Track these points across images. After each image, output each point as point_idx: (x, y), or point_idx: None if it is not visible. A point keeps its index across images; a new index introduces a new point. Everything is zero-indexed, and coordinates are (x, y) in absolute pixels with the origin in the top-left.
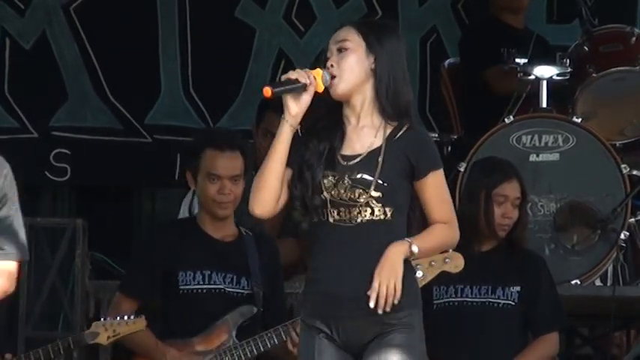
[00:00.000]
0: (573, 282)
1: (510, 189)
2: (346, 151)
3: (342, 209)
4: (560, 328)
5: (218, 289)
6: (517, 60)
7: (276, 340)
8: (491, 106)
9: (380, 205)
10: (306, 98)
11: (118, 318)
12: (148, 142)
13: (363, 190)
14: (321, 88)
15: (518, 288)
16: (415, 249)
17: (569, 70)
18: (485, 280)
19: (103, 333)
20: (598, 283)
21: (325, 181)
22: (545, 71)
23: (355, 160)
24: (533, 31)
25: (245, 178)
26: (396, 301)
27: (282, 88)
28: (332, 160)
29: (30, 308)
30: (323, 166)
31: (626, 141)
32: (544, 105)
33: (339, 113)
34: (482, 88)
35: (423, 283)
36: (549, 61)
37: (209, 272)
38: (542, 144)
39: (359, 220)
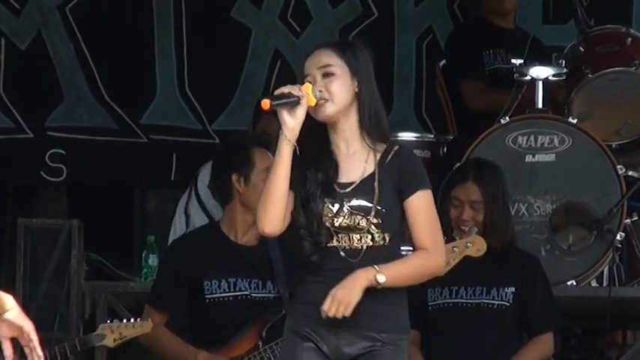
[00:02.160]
0: (569, 283)
1: (463, 192)
2: (342, 178)
3: (341, 236)
4: (554, 328)
5: (244, 295)
6: (513, 60)
7: None
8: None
9: (379, 230)
10: (301, 112)
11: (125, 320)
12: (144, 142)
13: (363, 216)
14: (313, 102)
15: (512, 288)
16: (381, 279)
17: (564, 70)
18: (480, 281)
19: (110, 335)
20: (594, 284)
21: (325, 209)
22: (540, 72)
23: (351, 187)
24: (528, 32)
25: None
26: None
27: (280, 102)
28: (330, 189)
29: (26, 309)
30: (322, 194)
31: (621, 142)
32: (540, 106)
33: (325, 139)
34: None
35: (447, 269)
36: (545, 62)
37: (234, 279)
38: (538, 145)
39: (359, 246)
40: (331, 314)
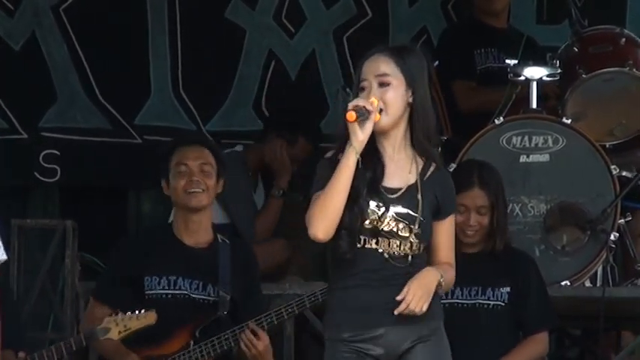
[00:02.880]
0: (563, 283)
1: (469, 198)
2: (387, 182)
3: (381, 239)
4: (550, 328)
5: (183, 294)
6: (507, 61)
7: (232, 343)
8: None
9: (418, 241)
10: (370, 126)
11: (129, 313)
12: (138, 143)
13: (407, 225)
14: (377, 118)
15: (508, 288)
16: (442, 283)
17: (559, 71)
18: (475, 282)
19: (114, 328)
20: (588, 284)
21: (370, 211)
22: (535, 72)
23: (397, 194)
24: (522, 32)
25: (220, 182)
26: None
27: (362, 117)
28: (377, 190)
29: (20, 309)
30: (369, 195)
31: (615, 142)
32: (534, 106)
33: (372, 137)
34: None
35: None
36: (539, 62)
37: (175, 277)
38: (533, 145)
39: (397, 253)
40: (410, 309)
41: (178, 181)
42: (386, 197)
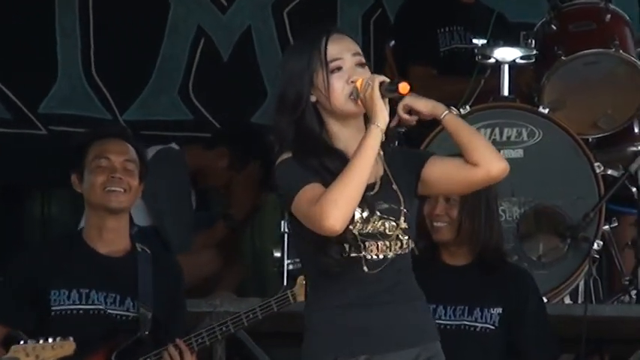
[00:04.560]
0: None
1: None
2: None
3: (368, 243)
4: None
5: (97, 309)
6: (474, 40)
7: None
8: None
9: (407, 237)
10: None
11: (42, 341)
12: (42, 134)
13: (394, 221)
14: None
15: (499, 309)
16: (454, 111)
17: (534, 52)
18: (461, 300)
19: (24, 358)
20: (567, 300)
21: (355, 213)
22: (506, 54)
23: (374, 190)
24: (492, 7)
25: (142, 185)
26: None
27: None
28: None
29: None
30: None
31: (599, 135)
32: (506, 93)
33: (332, 136)
34: None
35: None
36: (511, 41)
37: (87, 291)
38: (504, 138)
39: (389, 254)
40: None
41: (96, 177)
42: (367, 196)
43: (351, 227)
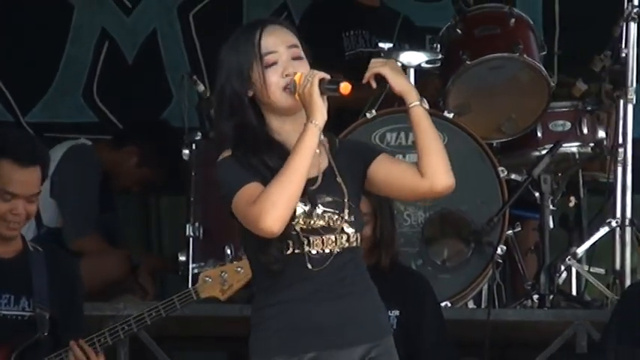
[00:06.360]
0: (443, 304)
1: None
2: None
3: (312, 238)
4: None
5: None
6: (380, 44)
7: None
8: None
9: (353, 230)
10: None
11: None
12: None
13: (338, 214)
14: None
15: (397, 312)
16: (425, 104)
17: (439, 56)
18: None
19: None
20: (471, 305)
21: (296, 209)
22: (412, 58)
23: (317, 184)
24: (397, 11)
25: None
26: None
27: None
28: None
29: None
30: None
31: (503, 140)
32: None
33: (266, 132)
34: None
35: (229, 294)
36: (417, 46)
37: None
38: (409, 143)
39: (334, 249)
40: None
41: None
42: (308, 190)
43: (293, 223)
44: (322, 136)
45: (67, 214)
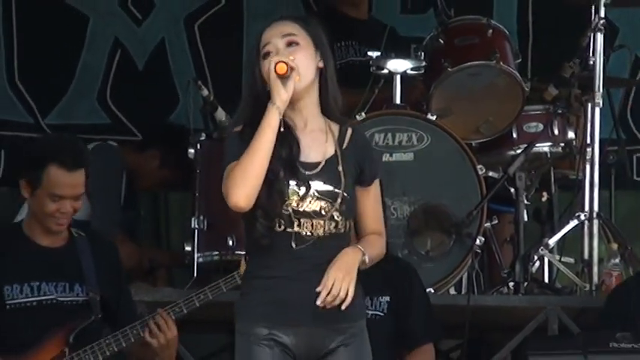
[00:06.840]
0: (427, 290)
1: None
2: (304, 157)
3: (303, 220)
4: (435, 339)
5: (50, 299)
6: (369, 53)
7: (114, 347)
8: None
9: (343, 218)
10: (291, 85)
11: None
12: None
13: (330, 202)
14: (298, 79)
15: (387, 298)
16: (366, 259)
17: (423, 64)
18: None
19: None
20: (452, 291)
21: (290, 190)
22: (398, 65)
23: (317, 169)
24: (384, 22)
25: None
26: (343, 307)
27: (287, 75)
28: (294, 169)
29: None
30: (287, 175)
31: (482, 140)
32: (398, 101)
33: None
34: None
35: None
36: (403, 54)
37: (38, 283)
38: (396, 143)
39: (321, 233)
40: (333, 294)
41: (48, 204)
42: (305, 175)
43: (287, 203)
44: (331, 124)
45: (95, 212)
